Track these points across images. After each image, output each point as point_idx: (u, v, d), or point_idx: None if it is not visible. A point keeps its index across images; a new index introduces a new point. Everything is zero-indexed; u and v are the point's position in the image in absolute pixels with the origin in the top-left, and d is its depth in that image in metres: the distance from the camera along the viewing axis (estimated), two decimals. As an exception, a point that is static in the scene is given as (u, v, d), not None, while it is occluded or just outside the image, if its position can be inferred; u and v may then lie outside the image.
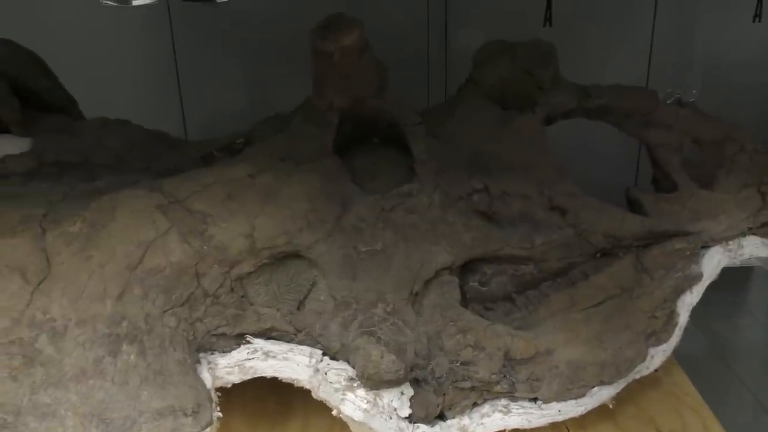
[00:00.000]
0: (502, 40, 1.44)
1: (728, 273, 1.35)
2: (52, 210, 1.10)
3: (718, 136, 1.41)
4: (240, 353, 1.10)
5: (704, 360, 1.85)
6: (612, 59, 2.19)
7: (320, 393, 1.09)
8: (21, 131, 1.32)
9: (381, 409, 1.08)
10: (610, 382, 1.18)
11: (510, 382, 1.14)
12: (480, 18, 2.13)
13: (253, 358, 1.10)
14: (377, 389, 1.08)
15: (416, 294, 1.15)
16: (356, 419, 1.07)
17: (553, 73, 1.40)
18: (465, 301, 1.22)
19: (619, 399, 1.23)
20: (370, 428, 1.07)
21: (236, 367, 1.10)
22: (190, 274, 1.08)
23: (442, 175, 1.23)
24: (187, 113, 2.17)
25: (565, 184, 1.29)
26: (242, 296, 1.12)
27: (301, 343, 1.13)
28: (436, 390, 1.13)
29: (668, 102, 1.46)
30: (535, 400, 1.16)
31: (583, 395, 1.17)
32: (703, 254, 1.31)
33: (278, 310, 1.13)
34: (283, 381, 1.11)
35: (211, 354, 1.10)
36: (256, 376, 1.11)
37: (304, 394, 1.11)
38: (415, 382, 1.13)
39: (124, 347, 1.02)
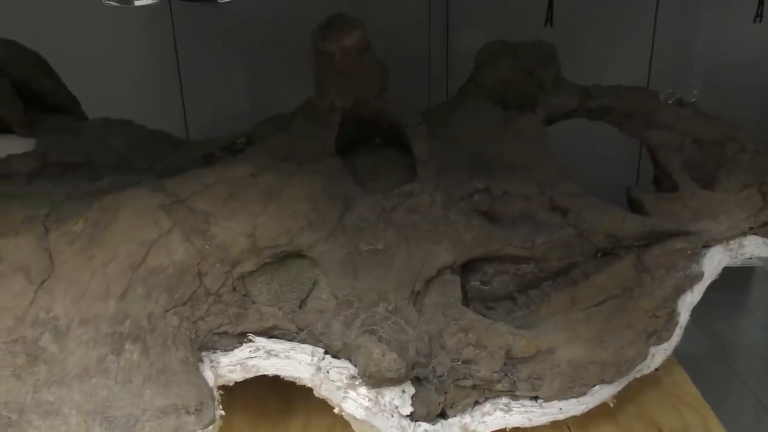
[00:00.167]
0: (504, 40, 1.44)
1: (729, 273, 1.35)
2: (55, 210, 1.11)
3: (718, 136, 1.41)
4: (242, 352, 1.11)
5: (705, 359, 1.85)
6: (613, 60, 2.19)
7: (322, 391, 1.10)
8: (24, 131, 1.32)
9: (382, 408, 1.08)
10: (610, 381, 1.19)
11: (511, 380, 1.15)
12: (481, 18, 2.13)
13: (255, 357, 1.10)
14: (379, 387, 1.09)
15: (418, 293, 1.15)
16: (358, 417, 1.07)
17: (554, 73, 1.40)
18: (466, 300, 1.22)
19: (620, 398, 1.23)
20: (371, 426, 1.07)
21: (238, 366, 1.10)
22: (193, 273, 1.08)
23: (443, 175, 1.23)
24: (189, 113, 2.17)
25: (566, 184, 1.30)
26: (244, 295, 1.12)
27: (302, 341, 1.13)
28: (438, 388, 1.13)
29: (669, 102, 1.45)
30: (536, 398, 1.17)
31: (584, 394, 1.17)
32: (704, 254, 1.31)
33: (280, 308, 1.13)
34: (285, 379, 1.12)
35: (214, 352, 1.11)
36: (258, 374, 1.11)
37: (305, 392, 1.12)
38: (417, 381, 1.13)
39: (127, 346, 1.02)
